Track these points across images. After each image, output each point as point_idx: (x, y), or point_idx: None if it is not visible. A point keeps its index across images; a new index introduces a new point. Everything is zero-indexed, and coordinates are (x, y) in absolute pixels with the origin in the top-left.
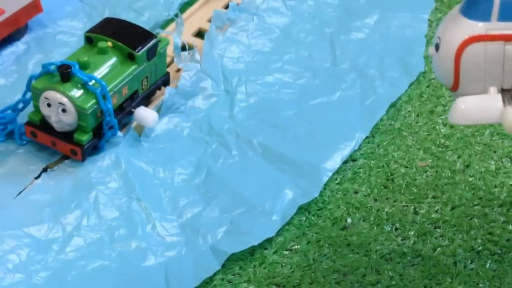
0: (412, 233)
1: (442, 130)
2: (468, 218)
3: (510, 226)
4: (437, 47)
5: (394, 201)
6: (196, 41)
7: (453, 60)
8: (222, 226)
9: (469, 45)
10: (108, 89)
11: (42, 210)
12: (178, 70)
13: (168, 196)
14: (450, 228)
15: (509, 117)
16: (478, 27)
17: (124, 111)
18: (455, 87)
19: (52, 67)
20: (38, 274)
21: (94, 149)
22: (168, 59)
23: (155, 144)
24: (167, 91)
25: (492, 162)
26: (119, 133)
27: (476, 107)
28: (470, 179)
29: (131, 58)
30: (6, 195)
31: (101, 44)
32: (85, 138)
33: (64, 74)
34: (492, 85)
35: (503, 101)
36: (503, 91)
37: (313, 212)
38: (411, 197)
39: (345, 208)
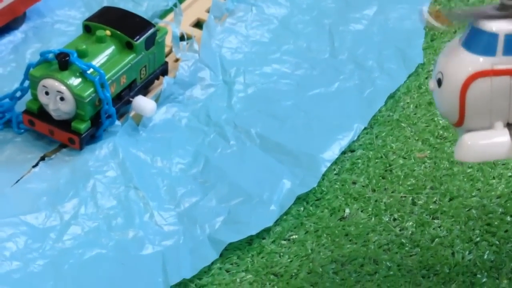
0: (410, 223)
1: (440, 122)
2: (466, 209)
3: (508, 217)
4: (439, 82)
5: (392, 192)
6: (195, 31)
7: (458, 96)
8: (220, 215)
9: (475, 80)
10: (106, 77)
11: (39, 199)
12: (177, 60)
13: (165, 185)
14: (448, 219)
15: None
16: (483, 62)
17: (122, 100)
18: (459, 123)
19: (50, 55)
20: (35, 262)
21: (92, 138)
22: (166, 49)
23: (153, 133)
24: (165, 81)
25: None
26: (117, 122)
27: (483, 143)
28: (468, 170)
29: (129, 47)
30: (4, 183)
31: (100, 32)
32: (83, 126)
33: (62, 62)
34: (498, 119)
35: (510, 135)
36: (508, 125)
37: (311, 202)
38: (409, 188)
39: (343, 199)
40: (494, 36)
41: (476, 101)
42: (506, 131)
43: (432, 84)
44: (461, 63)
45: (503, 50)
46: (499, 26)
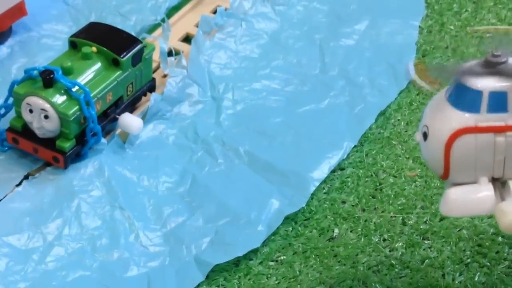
0: (400, 244)
1: None
2: (457, 229)
3: (500, 238)
4: (425, 136)
5: (382, 212)
6: (183, 47)
7: (443, 151)
8: (207, 236)
9: (459, 136)
10: (91, 95)
11: (22, 219)
12: (164, 76)
13: (152, 204)
14: (438, 240)
15: (505, 218)
16: (468, 119)
17: (108, 118)
18: (445, 176)
19: (35, 72)
20: (17, 285)
21: (77, 156)
22: (154, 65)
23: (139, 151)
24: (152, 98)
25: None
26: (103, 140)
27: (468, 198)
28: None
29: (115, 63)
30: None
31: (85, 49)
32: (67, 145)
33: (47, 79)
34: (483, 174)
35: (494, 190)
36: (493, 180)
37: (300, 222)
38: (399, 208)
39: (332, 218)
40: (478, 93)
41: (460, 157)
42: (490, 186)
43: (418, 136)
44: (446, 119)
45: (487, 107)
46: (483, 83)
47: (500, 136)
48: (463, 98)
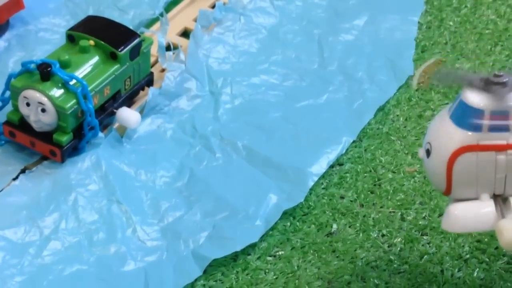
0: (399, 240)
1: None
2: None
3: None
4: (428, 153)
5: (381, 207)
6: (181, 41)
7: (445, 168)
8: (204, 230)
9: (461, 154)
10: (89, 88)
11: (19, 213)
12: (163, 70)
13: (149, 199)
14: (437, 235)
15: (505, 234)
16: (470, 137)
17: (106, 112)
18: (447, 192)
19: (32, 65)
20: (13, 278)
21: (74, 150)
22: (152, 59)
23: (137, 145)
24: (150, 92)
25: None
26: (100, 134)
27: (469, 215)
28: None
29: (113, 57)
30: None
31: (83, 42)
32: (65, 138)
33: (44, 73)
34: (484, 191)
35: (496, 206)
36: (495, 196)
37: (298, 218)
38: (398, 203)
39: (330, 214)
40: (480, 112)
41: (462, 174)
42: (491, 202)
43: (422, 152)
44: (448, 137)
45: (489, 126)
46: (485, 103)
47: (501, 154)
48: (465, 116)
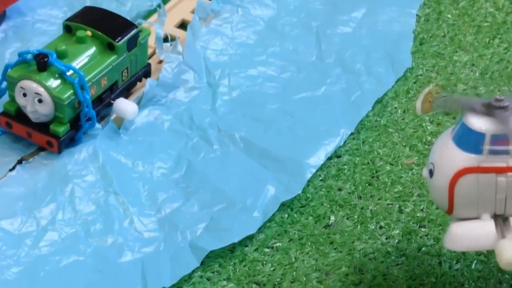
0: (397, 232)
1: (428, 127)
2: None
3: None
4: (431, 173)
5: (379, 199)
6: (179, 33)
7: (447, 188)
8: (202, 222)
9: (463, 176)
10: (86, 79)
11: (15, 203)
12: (160, 62)
13: (146, 190)
14: (435, 228)
15: (505, 254)
16: (471, 159)
17: (103, 103)
18: (449, 211)
19: (29, 55)
20: (10, 269)
21: (71, 141)
22: (149, 51)
23: (134, 136)
24: (148, 83)
25: None
26: (98, 125)
27: (470, 234)
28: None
29: (110, 48)
30: None
31: (80, 33)
32: (61, 129)
33: (41, 63)
34: (485, 211)
35: (496, 226)
36: (495, 216)
37: (296, 209)
38: (396, 195)
39: (328, 206)
40: (481, 135)
41: (464, 194)
42: (492, 222)
43: (425, 172)
44: (450, 158)
45: (490, 149)
46: (486, 126)
47: (501, 176)
48: (467, 139)
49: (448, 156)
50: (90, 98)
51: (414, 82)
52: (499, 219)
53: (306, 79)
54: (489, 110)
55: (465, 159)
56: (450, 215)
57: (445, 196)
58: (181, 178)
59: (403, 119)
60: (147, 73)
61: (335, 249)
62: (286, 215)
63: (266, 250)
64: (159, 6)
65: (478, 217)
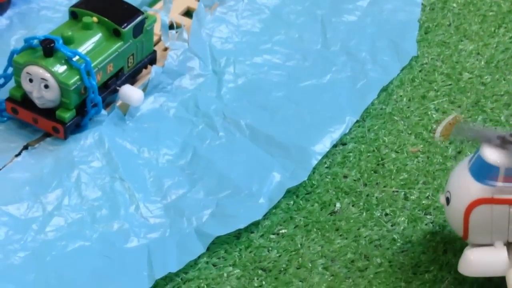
0: (402, 219)
1: (434, 116)
2: None
3: None
4: (447, 200)
5: (384, 186)
6: (184, 20)
7: (462, 216)
8: (208, 208)
9: (477, 206)
10: (92, 65)
11: (21, 189)
12: (165, 49)
13: (152, 176)
14: (440, 215)
15: None
16: (486, 191)
17: (109, 89)
18: (464, 238)
19: (35, 41)
20: (16, 254)
21: (77, 127)
22: (155, 38)
23: (140, 123)
24: (153, 70)
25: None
26: (103, 112)
27: (484, 261)
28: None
29: (116, 34)
30: None
31: (86, 19)
32: (67, 115)
33: (47, 48)
34: (499, 239)
35: (509, 253)
36: (508, 243)
37: (301, 196)
38: (401, 183)
39: (334, 193)
40: (496, 168)
41: (478, 223)
42: (504, 250)
43: (442, 199)
44: (466, 188)
45: (504, 181)
46: (501, 160)
47: None
48: (483, 171)
49: (464, 186)
50: (96, 84)
51: (419, 71)
52: None
53: (311, 67)
54: (504, 144)
55: (480, 190)
56: (465, 241)
57: (460, 223)
58: (186, 165)
59: (408, 107)
60: (152, 60)
61: (340, 235)
62: (292, 202)
63: (272, 236)
64: None
65: (491, 243)
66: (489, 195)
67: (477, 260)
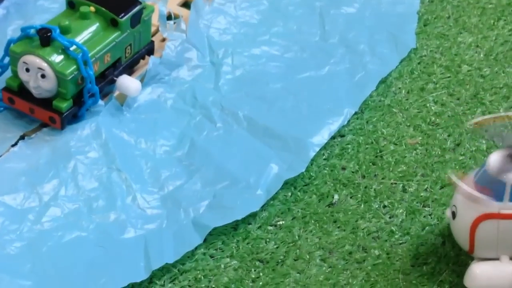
0: (401, 211)
1: (432, 108)
2: None
3: None
4: (453, 215)
5: (383, 178)
6: (182, 11)
7: (468, 231)
8: (205, 199)
9: (483, 221)
10: (89, 55)
11: (18, 179)
12: (163, 40)
13: (149, 167)
14: (439, 207)
15: None
16: (492, 206)
17: (106, 79)
18: (470, 252)
19: (32, 30)
20: (12, 244)
21: (74, 117)
22: (153, 29)
23: (137, 114)
24: (151, 61)
25: (483, 141)
26: (101, 102)
27: (489, 275)
28: (461, 157)
29: (114, 24)
30: None
31: (83, 8)
32: (64, 105)
33: (44, 38)
34: (504, 253)
35: None
36: None
37: (299, 188)
38: (400, 175)
39: (332, 184)
40: (502, 184)
41: (484, 238)
42: (510, 264)
43: (449, 213)
44: (471, 204)
45: (510, 197)
46: (508, 176)
47: None
48: (489, 186)
49: (470, 201)
50: (94, 74)
51: (418, 63)
52: None
53: (309, 59)
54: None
55: (486, 205)
56: (471, 255)
57: (466, 238)
58: (184, 156)
59: (407, 99)
60: (150, 51)
61: (338, 227)
62: (290, 194)
63: (270, 228)
64: None
65: (497, 257)
66: (495, 210)
67: (482, 274)
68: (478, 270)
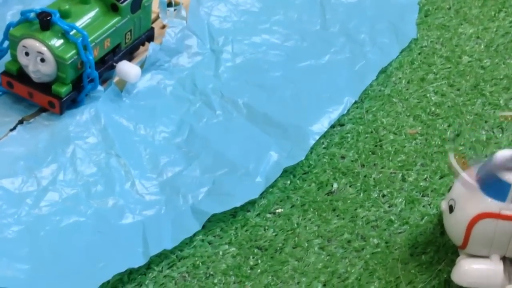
0: (400, 200)
1: (432, 98)
2: None
3: None
4: (450, 208)
5: (382, 168)
6: None
7: (465, 227)
8: (204, 186)
9: (483, 219)
10: (89, 40)
11: (16, 163)
12: (163, 27)
13: (148, 154)
14: (438, 197)
15: None
16: (493, 205)
17: (106, 65)
18: (462, 247)
19: (32, 14)
20: (10, 228)
21: (73, 102)
22: (153, 16)
23: (136, 100)
24: (151, 47)
25: (483, 132)
26: (100, 87)
27: (478, 273)
28: (460, 148)
29: (114, 9)
30: None
31: None
32: (64, 90)
33: (44, 22)
34: (496, 253)
35: (504, 267)
36: (504, 258)
37: (298, 176)
38: (399, 164)
39: (331, 173)
40: (506, 185)
41: (480, 236)
42: (501, 264)
43: (444, 206)
44: (473, 200)
45: None
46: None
47: None
48: (492, 186)
49: (471, 198)
50: (93, 59)
51: (419, 53)
52: (507, 260)
53: (310, 48)
54: None
55: (487, 204)
56: (461, 250)
57: (461, 233)
58: (183, 143)
59: (407, 89)
60: (150, 37)
61: (337, 216)
62: (289, 181)
63: (268, 215)
64: None
65: (488, 256)
66: (496, 210)
67: (472, 271)
68: (467, 267)
